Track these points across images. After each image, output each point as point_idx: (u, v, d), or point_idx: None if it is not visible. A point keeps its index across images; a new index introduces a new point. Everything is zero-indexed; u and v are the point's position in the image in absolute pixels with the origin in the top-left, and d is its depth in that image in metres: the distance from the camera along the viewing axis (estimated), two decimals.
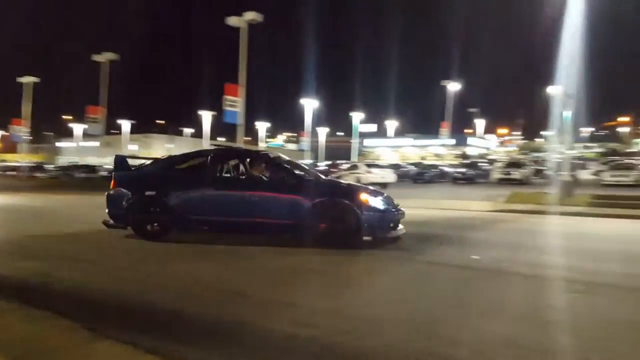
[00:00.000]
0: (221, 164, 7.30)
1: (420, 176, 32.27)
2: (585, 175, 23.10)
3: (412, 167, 36.45)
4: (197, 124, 65.21)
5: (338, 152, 55.13)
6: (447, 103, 54.85)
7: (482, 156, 52.78)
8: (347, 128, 65.53)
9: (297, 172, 7.22)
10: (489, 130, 77.68)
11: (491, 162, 37.64)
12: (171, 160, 7.91)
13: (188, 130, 78.96)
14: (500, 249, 6.52)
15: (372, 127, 71.87)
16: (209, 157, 7.21)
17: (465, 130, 72.34)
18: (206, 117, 58.43)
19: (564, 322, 3.55)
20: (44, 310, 3.40)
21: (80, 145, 62.39)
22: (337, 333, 3.17)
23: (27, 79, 40.42)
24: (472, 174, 30.51)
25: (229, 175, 7.27)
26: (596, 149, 60.21)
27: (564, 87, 14.31)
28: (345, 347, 2.95)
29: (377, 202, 6.51)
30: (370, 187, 7.43)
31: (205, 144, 55.50)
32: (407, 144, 67.09)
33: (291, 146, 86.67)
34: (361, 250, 6.20)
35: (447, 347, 2.95)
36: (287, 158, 7.80)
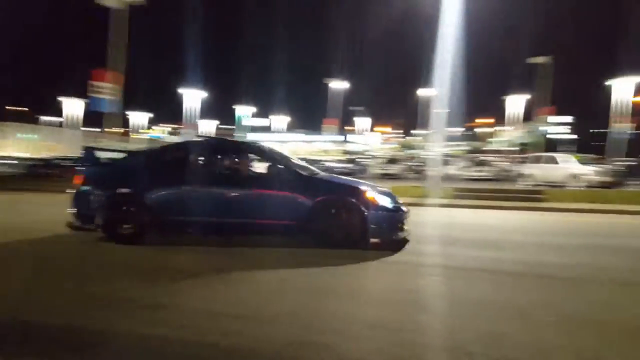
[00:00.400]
0: (208, 157, 6.58)
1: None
2: (452, 170, 25.57)
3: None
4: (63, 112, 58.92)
5: None
6: (333, 101, 56.82)
7: (364, 153, 55.72)
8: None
9: (294, 167, 6.50)
10: (373, 128, 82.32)
11: (372, 158, 40.02)
12: (149, 153, 7.13)
13: (55, 119, 70.88)
14: None
15: (264, 122, 71.85)
16: (195, 150, 6.54)
17: (349, 128, 75.80)
18: (73, 105, 53.12)
19: (423, 303, 3.90)
20: None
21: None
22: (205, 332, 3.13)
23: None
24: (355, 169, 32.06)
25: (217, 170, 6.55)
26: (462, 147, 67.17)
27: (437, 90, 15.68)
28: (211, 344, 2.93)
29: (385, 201, 6.07)
30: (377, 185, 6.96)
31: (69, 133, 50.34)
32: (296, 139, 68.22)
33: (173, 138, 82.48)
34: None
35: (317, 335, 3.06)
36: (281, 152, 7.14)
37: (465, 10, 15.73)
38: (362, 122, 77.52)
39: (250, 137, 65.92)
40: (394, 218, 6.08)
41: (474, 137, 77.01)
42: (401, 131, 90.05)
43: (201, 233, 6.20)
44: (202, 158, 6.51)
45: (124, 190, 6.22)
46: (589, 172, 18.96)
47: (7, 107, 72.09)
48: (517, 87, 48.35)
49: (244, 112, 61.84)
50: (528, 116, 46.11)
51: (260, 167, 6.76)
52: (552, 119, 45.15)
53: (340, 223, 5.89)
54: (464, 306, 3.78)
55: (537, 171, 20.09)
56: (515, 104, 50.57)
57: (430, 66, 15.56)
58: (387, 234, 6.03)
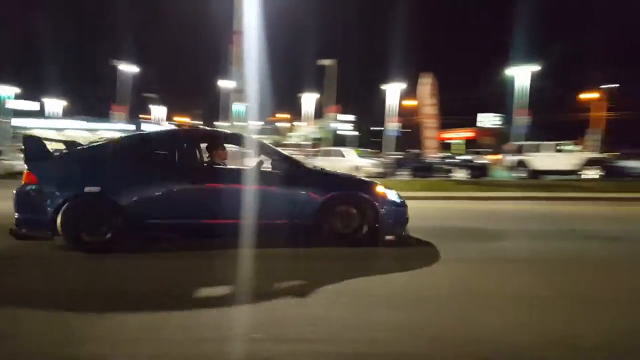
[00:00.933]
0: (196, 149, 5.98)
1: None
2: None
3: None
4: None
5: None
6: (122, 86, 51.47)
7: None
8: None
9: (301, 162, 6.12)
10: (170, 117, 78.19)
11: None
12: (122, 144, 6.11)
13: None
14: None
15: (33, 106, 60.73)
16: (181, 141, 5.93)
17: (143, 116, 70.43)
18: None
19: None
20: None
21: None
22: None
23: None
24: None
25: (209, 164, 5.86)
26: (265, 140, 69.61)
27: (236, 82, 15.63)
28: None
29: (394, 195, 5.91)
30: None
31: None
32: (76, 126, 59.83)
33: None
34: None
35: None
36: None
37: (265, 7, 16.05)
38: (158, 111, 72.81)
39: (16, 122, 55.09)
40: (403, 213, 5.95)
41: (277, 131, 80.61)
42: (201, 122, 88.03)
43: (190, 238, 5.65)
44: (191, 150, 5.90)
45: (92, 189, 5.27)
46: (368, 164, 22.06)
47: None
48: (311, 85, 52.29)
49: (8, 93, 51.27)
50: (320, 113, 50.25)
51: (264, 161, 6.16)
52: (339, 116, 50.37)
53: (353, 220, 5.66)
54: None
55: (327, 163, 22.15)
56: (309, 101, 54.73)
57: (230, 58, 15.38)
58: (397, 230, 5.92)
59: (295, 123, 71.90)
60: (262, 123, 79.51)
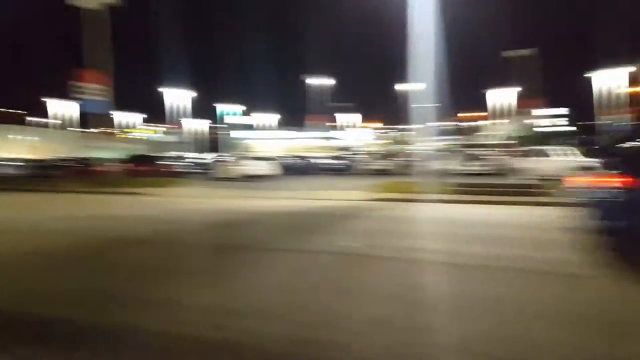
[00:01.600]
0: None
1: (306, 167, 32.80)
2: (451, 165, 25.06)
3: (298, 160, 36.81)
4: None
5: (212, 143, 53.55)
6: (316, 97, 55.98)
7: (351, 148, 55.51)
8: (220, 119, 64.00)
9: None
10: (361, 123, 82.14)
11: (367, 154, 39.72)
12: None
13: (42, 120, 68.94)
14: (372, 235, 6.61)
15: (248, 120, 71.70)
16: None
17: (332, 124, 75.84)
18: (59, 106, 52.28)
19: (430, 300, 3.71)
20: None
21: None
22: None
23: None
24: (350, 165, 31.95)
25: None
26: (454, 141, 66.69)
27: (421, 84, 15.27)
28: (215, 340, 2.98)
29: None
30: None
31: (70, 134, 48.63)
32: (288, 136, 67.97)
33: (169, 137, 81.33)
34: None
35: (321, 331, 3.04)
36: None
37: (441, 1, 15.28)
38: (352, 118, 77.61)
39: (234, 135, 65.24)
40: None
41: (459, 132, 76.80)
42: (391, 126, 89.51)
43: None
44: None
45: None
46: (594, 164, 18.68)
47: None
48: (499, 80, 47.99)
49: (226, 110, 61.66)
50: (511, 110, 45.56)
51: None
52: (546, 111, 44.57)
53: None
54: None
55: (533, 165, 19.79)
56: (498, 97, 50.14)
57: (414, 61, 15.06)
58: None
59: (488, 122, 67.09)
60: (443, 123, 76.39)
